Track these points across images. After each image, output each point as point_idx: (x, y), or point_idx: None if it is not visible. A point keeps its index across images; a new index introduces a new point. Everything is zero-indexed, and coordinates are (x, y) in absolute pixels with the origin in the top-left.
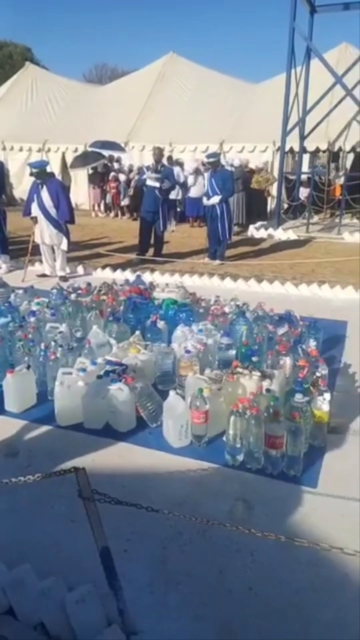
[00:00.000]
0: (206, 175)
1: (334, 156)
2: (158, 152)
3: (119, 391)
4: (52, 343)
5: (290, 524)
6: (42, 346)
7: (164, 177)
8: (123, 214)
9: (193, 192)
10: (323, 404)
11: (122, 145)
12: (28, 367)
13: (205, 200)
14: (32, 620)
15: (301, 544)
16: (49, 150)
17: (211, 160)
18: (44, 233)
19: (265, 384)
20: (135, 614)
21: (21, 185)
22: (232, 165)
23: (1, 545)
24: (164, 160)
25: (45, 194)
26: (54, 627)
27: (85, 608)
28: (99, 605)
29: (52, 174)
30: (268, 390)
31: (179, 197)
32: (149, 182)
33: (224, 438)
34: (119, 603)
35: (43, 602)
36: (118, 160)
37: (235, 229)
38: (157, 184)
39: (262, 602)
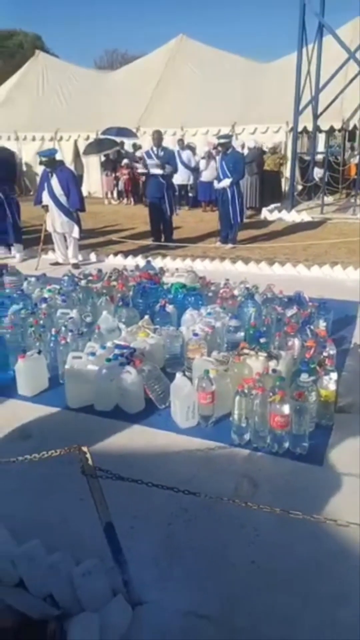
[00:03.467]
0: (218, 158)
1: (350, 135)
2: (157, 136)
3: (127, 374)
4: (63, 328)
5: (294, 500)
6: (53, 331)
7: (165, 161)
8: (136, 201)
9: (205, 177)
10: (329, 384)
11: (135, 130)
12: (39, 352)
13: (216, 184)
14: (41, 592)
15: (296, 516)
16: (61, 138)
17: (222, 141)
18: (55, 221)
19: (272, 364)
20: (140, 586)
21: (34, 174)
22: (247, 148)
23: (13, 522)
24: (174, 145)
25: (55, 183)
26: (62, 598)
27: (91, 580)
28: (104, 577)
29: (61, 162)
30: (274, 370)
31: (191, 181)
32: (152, 171)
33: (230, 418)
34: (124, 575)
35: (52, 575)
36: (139, 147)
37: (249, 212)
38: (160, 171)
39: (264, 575)
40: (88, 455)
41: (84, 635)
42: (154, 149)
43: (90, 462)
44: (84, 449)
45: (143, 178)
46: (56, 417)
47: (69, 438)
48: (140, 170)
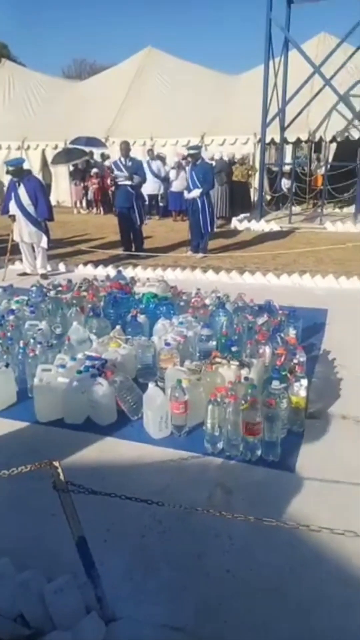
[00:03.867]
0: (187, 168)
1: (316, 146)
2: (125, 147)
3: (99, 385)
4: (31, 340)
5: (267, 508)
6: (21, 344)
7: (133, 171)
8: (107, 210)
9: (175, 187)
10: (300, 390)
11: (103, 140)
12: (7, 365)
13: (186, 194)
14: (11, 612)
15: (270, 523)
16: (28, 147)
17: (192, 152)
18: (22, 231)
19: (244, 372)
20: (114, 600)
21: (1, 183)
22: (214, 159)
23: None
24: (144, 155)
25: (22, 192)
26: (33, 617)
27: (63, 597)
28: (77, 594)
29: (29, 172)
30: (246, 378)
31: (161, 191)
32: (120, 182)
33: (203, 427)
34: (97, 590)
35: (22, 594)
36: (108, 157)
37: (219, 222)
38: (128, 182)
39: (239, 584)
40: (59, 470)
41: None
42: (122, 159)
43: (61, 477)
44: (56, 463)
45: (113, 188)
46: (25, 432)
47: (38, 453)
48: (120, 179)
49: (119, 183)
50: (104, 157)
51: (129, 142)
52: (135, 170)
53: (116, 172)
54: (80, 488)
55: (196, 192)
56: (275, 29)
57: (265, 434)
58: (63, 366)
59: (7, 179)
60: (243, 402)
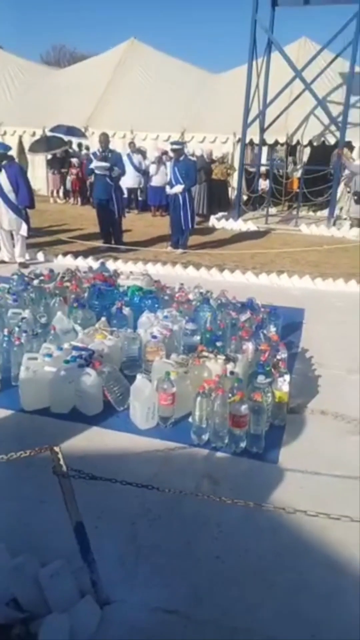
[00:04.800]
0: (169, 164)
1: (292, 149)
2: (104, 139)
3: (87, 375)
4: (16, 329)
5: (252, 497)
6: (5, 332)
7: (112, 164)
8: (85, 201)
9: (155, 181)
10: (283, 385)
11: (83, 130)
12: None
13: (168, 189)
14: (4, 596)
15: (257, 506)
16: (4, 133)
17: (175, 147)
18: (2, 218)
19: (230, 367)
20: (107, 585)
21: None
22: (194, 156)
23: None
24: (124, 147)
25: (4, 179)
26: (27, 601)
27: (58, 581)
28: (72, 578)
29: (11, 158)
30: (232, 372)
31: (141, 185)
32: (98, 171)
33: (190, 419)
34: (92, 575)
35: (16, 578)
36: (87, 148)
37: (197, 219)
38: (107, 173)
39: (228, 569)
40: (60, 456)
41: (55, 636)
42: (100, 151)
43: (62, 462)
44: (56, 449)
45: (91, 179)
46: (10, 419)
47: (24, 440)
48: (99, 170)
49: (98, 173)
50: (81, 147)
51: (108, 134)
52: (115, 162)
53: (95, 163)
54: (80, 473)
55: (178, 188)
56: (259, 31)
57: (250, 426)
58: (50, 355)
59: None
60: (230, 395)
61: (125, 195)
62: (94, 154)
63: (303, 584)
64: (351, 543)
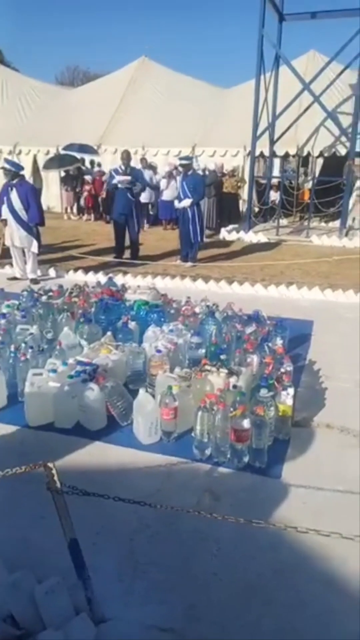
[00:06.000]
0: (178, 178)
1: (304, 161)
2: (126, 156)
3: (90, 390)
4: (22, 345)
5: (254, 513)
6: (12, 348)
7: (133, 179)
8: (98, 217)
9: (166, 195)
10: (287, 399)
11: (95, 148)
12: None
13: (176, 203)
14: (1, 612)
15: (258, 524)
16: (19, 152)
17: (184, 162)
18: (14, 235)
19: (232, 380)
20: (103, 602)
21: None
22: (206, 170)
23: None
24: (137, 163)
25: (15, 197)
26: (23, 618)
27: (54, 598)
28: (67, 595)
29: (22, 177)
30: (235, 386)
31: (152, 200)
32: (121, 186)
33: (192, 433)
34: (87, 592)
35: (12, 595)
36: (99, 165)
37: (207, 232)
38: (130, 186)
39: (226, 586)
40: (54, 472)
41: None
42: (122, 167)
43: (55, 478)
44: (50, 465)
45: (104, 194)
46: (14, 436)
47: (28, 456)
48: (122, 183)
49: (120, 188)
50: (94, 164)
51: (129, 151)
52: (136, 178)
53: (118, 177)
54: (74, 489)
55: (186, 202)
56: (267, 45)
57: (252, 441)
58: (54, 371)
59: None
60: (232, 409)
61: (143, 211)
62: (116, 170)
63: (301, 602)
64: (352, 560)
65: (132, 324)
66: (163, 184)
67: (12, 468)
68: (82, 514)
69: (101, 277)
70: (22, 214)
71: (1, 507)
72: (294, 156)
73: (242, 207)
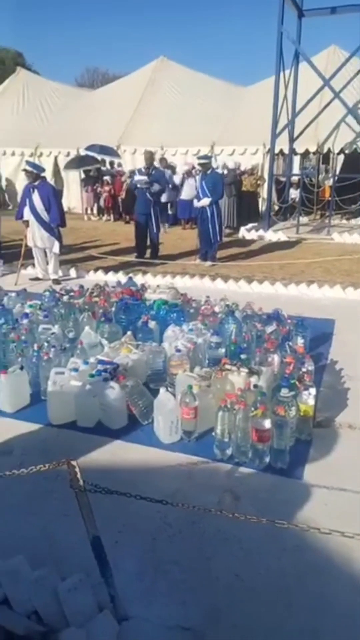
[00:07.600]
0: (197, 177)
1: (324, 158)
2: (149, 156)
3: (111, 389)
4: (45, 344)
5: (275, 514)
6: (35, 347)
7: (154, 180)
8: (117, 217)
9: (185, 195)
10: (308, 399)
11: (115, 149)
12: (21, 368)
13: (195, 202)
14: (26, 609)
15: (281, 525)
16: (41, 154)
17: (202, 162)
18: (35, 236)
19: (253, 380)
20: (125, 600)
21: (14, 189)
22: (227, 168)
23: None
24: (157, 163)
25: (36, 198)
26: (47, 614)
27: (77, 596)
28: (90, 593)
29: (43, 178)
30: (255, 385)
31: (171, 199)
32: (140, 185)
33: (213, 433)
34: (110, 590)
35: (36, 592)
36: (120, 165)
37: (227, 231)
38: (146, 187)
39: (248, 587)
40: (77, 470)
41: None
42: (145, 167)
43: (79, 476)
44: (73, 463)
45: (123, 195)
46: (38, 433)
47: (50, 454)
48: (141, 183)
49: (139, 187)
50: (113, 164)
51: (152, 151)
52: (157, 179)
53: (137, 177)
54: (97, 487)
55: (205, 201)
56: (286, 42)
57: (274, 441)
58: (76, 370)
59: (21, 185)
60: (253, 409)
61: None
62: (139, 170)
63: (325, 604)
64: None
65: (152, 324)
66: (177, 180)
67: (35, 465)
68: (105, 512)
69: (121, 277)
70: (44, 215)
71: (25, 504)
72: (314, 153)
73: (262, 205)
